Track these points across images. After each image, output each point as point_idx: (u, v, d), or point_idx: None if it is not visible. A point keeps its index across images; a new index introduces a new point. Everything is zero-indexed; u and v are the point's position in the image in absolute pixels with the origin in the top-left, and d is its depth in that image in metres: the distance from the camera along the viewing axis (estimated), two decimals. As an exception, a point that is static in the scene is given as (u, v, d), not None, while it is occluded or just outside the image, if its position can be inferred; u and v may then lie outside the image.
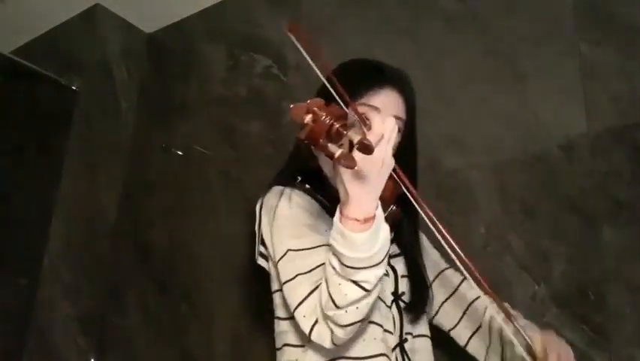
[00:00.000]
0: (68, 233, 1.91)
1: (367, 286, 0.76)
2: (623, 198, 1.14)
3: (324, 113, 0.67)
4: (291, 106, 0.69)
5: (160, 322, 1.81)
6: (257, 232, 0.99)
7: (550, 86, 1.28)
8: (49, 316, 1.82)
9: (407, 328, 1.00)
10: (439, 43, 1.47)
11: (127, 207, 2.05)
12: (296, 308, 0.84)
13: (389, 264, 0.99)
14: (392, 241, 0.94)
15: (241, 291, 1.64)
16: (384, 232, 0.77)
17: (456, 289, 1.09)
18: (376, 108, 0.94)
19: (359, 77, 0.97)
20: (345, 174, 0.74)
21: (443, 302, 1.10)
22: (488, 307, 1.04)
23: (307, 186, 0.99)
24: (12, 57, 2.09)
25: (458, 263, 0.83)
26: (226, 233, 1.75)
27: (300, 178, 1.01)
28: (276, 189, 0.98)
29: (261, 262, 1.00)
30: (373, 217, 0.75)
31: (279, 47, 1.81)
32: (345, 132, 0.68)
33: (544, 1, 1.34)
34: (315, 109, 0.67)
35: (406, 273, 1.04)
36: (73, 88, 2.03)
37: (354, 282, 0.76)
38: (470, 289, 1.09)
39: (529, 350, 0.89)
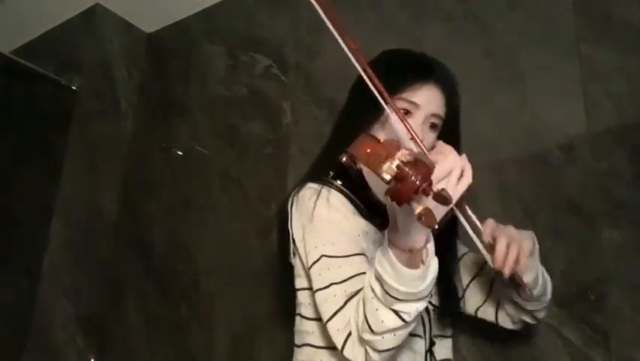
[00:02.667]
0: (68, 233, 1.91)
1: (406, 318, 0.74)
2: (623, 198, 1.14)
3: (412, 173, 0.59)
4: (368, 150, 0.62)
5: (160, 322, 1.81)
6: (289, 230, 0.95)
7: (550, 86, 1.28)
8: (49, 316, 1.82)
9: (435, 331, 0.98)
10: (439, 44, 1.47)
11: (127, 207, 2.05)
12: (329, 320, 0.82)
13: None
14: None
15: (241, 291, 1.64)
16: (434, 267, 0.75)
17: (481, 269, 1.06)
18: (416, 105, 0.92)
19: (403, 70, 0.93)
20: (409, 218, 0.69)
21: (468, 285, 1.06)
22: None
23: (340, 182, 0.94)
24: (12, 57, 2.09)
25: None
26: (226, 233, 1.75)
27: (332, 173, 0.96)
28: (311, 186, 0.93)
29: (293, 260, 0.97)
30: (420, 249, 0.72)
31: (279, 47, 1.81)
32: (431, 192, 0.61)
33: (544, 1, 1.34)
34: (401, 164, 0.60)
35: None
36: (73, 88, 2.03)
37: (394, 311, 0.74)
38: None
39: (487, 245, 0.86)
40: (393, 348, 0.78)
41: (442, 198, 0.61)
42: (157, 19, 2.18)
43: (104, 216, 2.02)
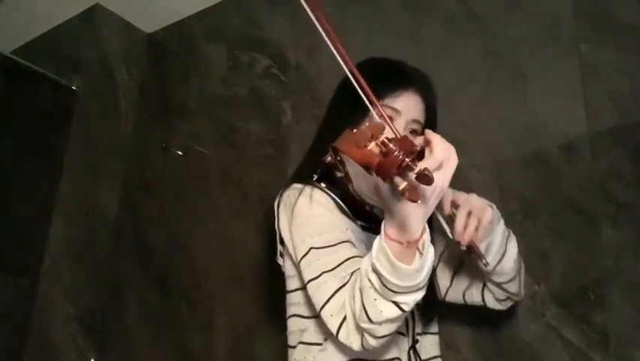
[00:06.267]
0: (68, 233, 1.91)
1: (405, 308, 0.75)
2: (623, 198, 1.14)
3: (396, 148, 0.61)
4: (354, 130, 0.63)
5: (160, 322, 1.81)
6: (277, 230, 0.97)
7: (550, 86, 1.28)
8: (49, 316, 1.82)
9: (418, 329, 1.00)
10: (439, 44, 1.47)
11: (127, 207, 2.05)
12: (322, 307, 0.82)
13: None
14: None
15: (241, 291, 1.64)
16: (430, 258, 0.75)
17: (462, 261, 1.07)
18: (397, 111, 0.94)
19: (382, 78, 0.95)
20: (397, 198, 0.70)
21: (453, 276, 1.08)
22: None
23: (323, 184, 0.97)
24: (12, 57, 2.09)
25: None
26: (226, 233, 1.75)
27: (316, 176, 0.98)
28: (295, 186, 0.96)
29: (280, 260, 0.99)
30: (417, 241, 0.73)
31: (279, 47, 1.81)
32: (415, 167, 0.62)
33: (544, 1, 1.34)
34: (385, 140, 0.61)
35: None
36: (73, 88, 2.03)
37: (394, 302, 0.75)
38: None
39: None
40: (390, 334, 0.79)
41: (425, 177, 0.62)
42: (157, 19, 2.18)
43: (104, 216, 2.02)
